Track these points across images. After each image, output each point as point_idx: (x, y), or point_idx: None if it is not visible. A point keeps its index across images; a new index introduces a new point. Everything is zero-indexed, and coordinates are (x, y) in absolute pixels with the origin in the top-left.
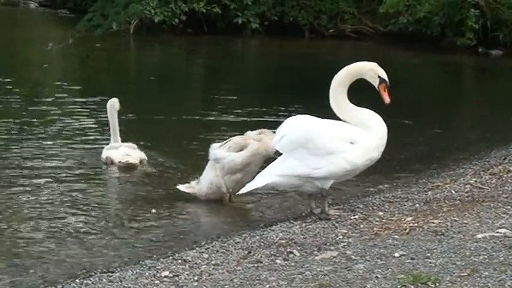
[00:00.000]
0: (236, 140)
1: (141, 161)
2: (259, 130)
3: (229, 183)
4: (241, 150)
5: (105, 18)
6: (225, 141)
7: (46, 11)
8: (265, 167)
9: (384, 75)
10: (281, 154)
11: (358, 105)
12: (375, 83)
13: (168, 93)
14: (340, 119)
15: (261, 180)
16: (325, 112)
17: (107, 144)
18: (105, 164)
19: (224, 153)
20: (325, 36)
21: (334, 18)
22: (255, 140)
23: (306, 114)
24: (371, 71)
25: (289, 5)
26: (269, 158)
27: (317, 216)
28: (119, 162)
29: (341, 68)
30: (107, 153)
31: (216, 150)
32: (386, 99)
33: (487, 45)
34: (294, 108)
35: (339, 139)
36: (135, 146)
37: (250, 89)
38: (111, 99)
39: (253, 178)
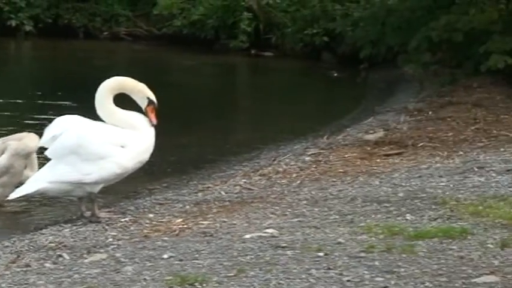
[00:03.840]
0: None
1: None
2: (21, 133)
3: None
4: (2, 154)
5: None
6: None
7: None
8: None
9: (153, 97)
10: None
11: (125, 109)
12: (143, 104)
13: None
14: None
15: (32, 186)
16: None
17: None
18: None
19: None
20: (100, 38)
21: (108, 21)
22: (14, 141)
23: (78, 115)
24: (140, 92)
25: (64, 8)
26: None
27: (87, 219)
28: None
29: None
30: None
31: None
32: (154, 120)
33: (260, 48)
34: (67, 110)
35: (109, 143)
36: None
37: (21, 91)
38: None
39: (21, 179)
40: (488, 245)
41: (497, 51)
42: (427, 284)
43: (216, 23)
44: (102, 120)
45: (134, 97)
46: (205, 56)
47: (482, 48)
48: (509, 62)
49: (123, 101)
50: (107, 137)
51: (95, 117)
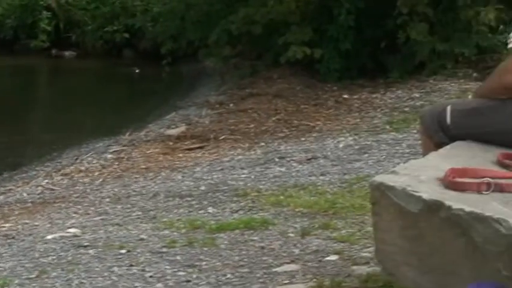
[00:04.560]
0: None
1: None
2: None
3: None
4: None
5: None
6: None
7: None
8: None
9: None
10: None
11: None
12: None
13: None
14: None
15: None
16: None
17: None
18: None
19: None
20: None
21: None
22: None
23: None
24: None
25: None
26: None
27: None
28: None
29: None
30: None
31: None
32: None
33: (61, 47)
34: None
35: None
36: None
37: None
38: None
39: None
40: (289, 234)
41: (295, 42)
42: (228, 276)
43: (15, 23)
44: None
45: None
46: (4, 58)
47: (281, 40)
48: (307, 53)
49: None
50: None
51: None
